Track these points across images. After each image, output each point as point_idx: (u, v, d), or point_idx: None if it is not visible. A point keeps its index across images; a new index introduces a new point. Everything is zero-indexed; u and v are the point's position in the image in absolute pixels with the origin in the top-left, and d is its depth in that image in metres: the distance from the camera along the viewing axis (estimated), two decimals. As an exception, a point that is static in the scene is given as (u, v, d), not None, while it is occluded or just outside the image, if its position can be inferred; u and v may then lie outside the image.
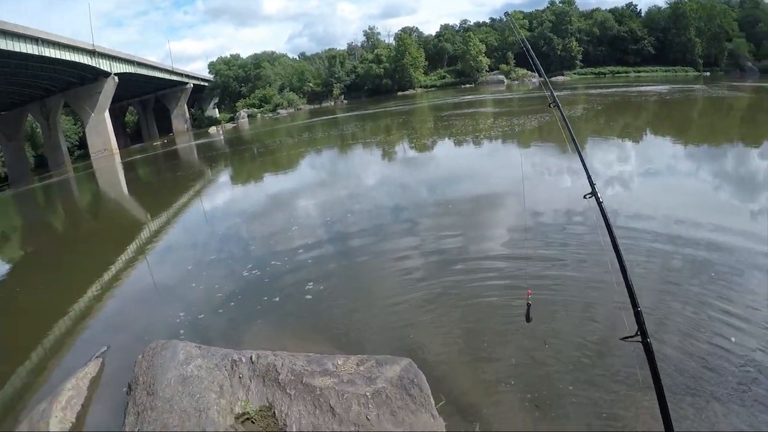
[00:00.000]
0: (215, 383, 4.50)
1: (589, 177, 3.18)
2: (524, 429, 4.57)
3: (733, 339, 5.66)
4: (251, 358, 4.74)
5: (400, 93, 73.87)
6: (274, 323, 6.88)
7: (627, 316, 2.98)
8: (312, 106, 73.27)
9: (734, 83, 56.09)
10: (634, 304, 2.99)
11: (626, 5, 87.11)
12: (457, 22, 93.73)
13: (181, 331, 6.95)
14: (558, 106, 3.45)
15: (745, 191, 12.32)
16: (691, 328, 6.02)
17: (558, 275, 7.68)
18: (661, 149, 19.64)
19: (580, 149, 3.34)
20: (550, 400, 4.92)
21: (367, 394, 4.20)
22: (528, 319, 3.51)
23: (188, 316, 7.53)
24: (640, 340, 2.93)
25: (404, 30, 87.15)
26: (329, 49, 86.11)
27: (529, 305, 3.44)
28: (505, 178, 14.32)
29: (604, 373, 5.36)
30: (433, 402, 4.35)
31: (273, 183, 18.70)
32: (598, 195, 3.13)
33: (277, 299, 7.61)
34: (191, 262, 10.18)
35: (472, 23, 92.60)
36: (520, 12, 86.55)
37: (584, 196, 3.15)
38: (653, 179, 14.06)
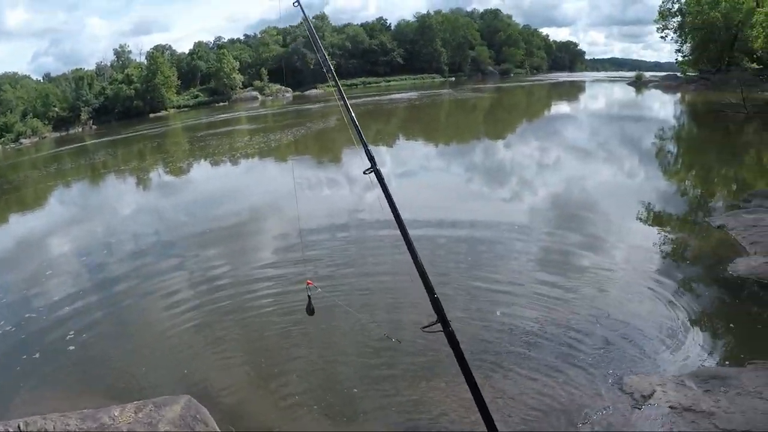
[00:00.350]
0: (-15, 463, 4.05)
1: (367, 151, 3.01)
2: None
3: (499, 312, 6.36)
4: (19, 426, 4.33)
5: (152, 115, 68.67)
6: (39, 383, 6.06)
7: (417, 305, 2.74)
8: (58, 134, 63.34)
9: (477, 86, 65.31)
10: (430, 290, 2.79)
11: (377, 20, 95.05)
12: (212, 39, 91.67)
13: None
14: (335, 80, 3.52)
15: (492, 180, 14.19)
16: (469, 302, 6.64)
17: (337, 275, 7.93)
18: (413, 150, 21.68)
19: (357, 123, 3.15)
20: (340, 405, 4.91)
21: (152, 441, 3.97)
22: (310, 311, 3.13)
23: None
24: (441, 329, 2.76)
25: (156, 48, 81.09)
26: (76, 69, 75.70)
27: (309, 297, 3.06)
28: (266, 192, 14.87)
29: (390, 362, 5.50)
30: (221, 434, 4.14)
31: (20, 224, 16.38)
32: (378, 168, 2.97)
33: (37, 356, 6.71)
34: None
35: (226, 40, 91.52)
36: (274, 28, 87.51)
37: (364, 172, 2.98)
38: (410, 178, 15.35)
